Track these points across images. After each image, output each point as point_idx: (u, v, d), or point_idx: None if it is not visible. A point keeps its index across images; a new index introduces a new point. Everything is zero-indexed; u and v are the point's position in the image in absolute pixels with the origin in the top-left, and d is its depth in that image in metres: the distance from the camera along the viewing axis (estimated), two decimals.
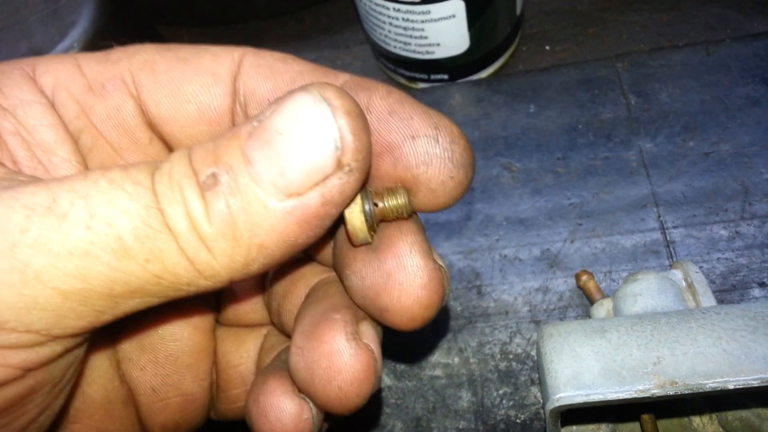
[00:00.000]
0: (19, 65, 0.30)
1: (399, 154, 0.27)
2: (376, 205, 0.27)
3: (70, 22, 0.59)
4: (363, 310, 0.30)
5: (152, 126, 0.31)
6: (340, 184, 0.24)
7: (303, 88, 0.24)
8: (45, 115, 0.29)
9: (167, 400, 0.35)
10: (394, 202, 0.28)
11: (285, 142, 0.23)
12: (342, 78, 0.29)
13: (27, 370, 0.23)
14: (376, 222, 0.28)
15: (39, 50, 0.58)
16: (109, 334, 0.34)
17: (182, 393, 0.35)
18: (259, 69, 0.30)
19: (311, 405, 0.29)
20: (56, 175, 0.28)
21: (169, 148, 0.32)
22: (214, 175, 0.23)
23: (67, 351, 0.25)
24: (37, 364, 0.23)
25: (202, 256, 0.23)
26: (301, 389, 0.29)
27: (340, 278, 0.31)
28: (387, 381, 0.47)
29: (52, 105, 0.29)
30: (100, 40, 0.59)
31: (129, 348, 0.35)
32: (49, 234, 0.22)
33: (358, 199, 0.27)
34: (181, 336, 0.35)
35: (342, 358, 0.27)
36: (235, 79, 0.30)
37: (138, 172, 0.23)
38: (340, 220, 0.27)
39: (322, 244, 0.33)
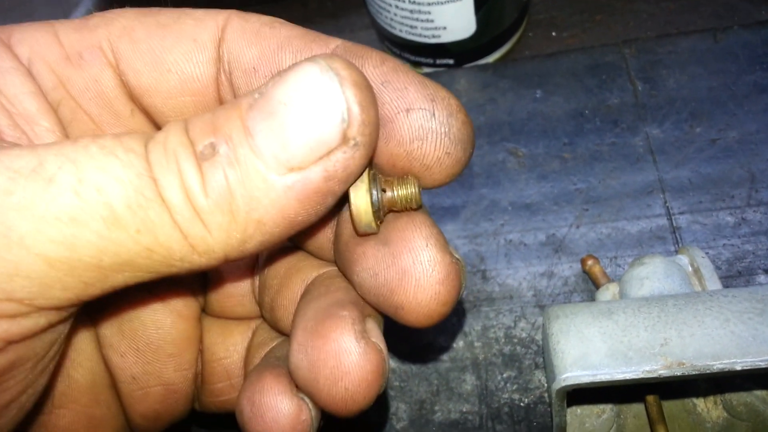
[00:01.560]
0: None
1: (391, 128, 0.26)
2: (384, 191, 0.26)
3: (74, 2, 0.59)
4: (375, 308, 0.28)
5: (133, 97, 0.30)
6: (344, 158, 0.22)
7: (309, 58, 0.23)
8: (26, 83, 0.27)
9: (148, 389, 0.33)
10: (404, 191, 0.26)
11: (289, 114, 0.22)
12: (333, 43, 0.28)
13: (8, 342, 0.22)
14: (383, 210, 0.27)
15: None
16: (88, 312, 0.33)
17: (163, 382, 0.34)
18: (244, 34, 0.28)
19: (310, 405, 0.28)
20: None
21: (152, 122, 0.31)
22: (212, 145, 0.22)
23: (51, 325, 0.23)
24: (19, 336, 0.22)
25: (196, 229, 0.22)
26: (302, 389, 0.27)
27: (347, 275, 0.29)
28: (391, 363, 0.47)
29: (30, 74, 0.28)
30: None
31: (110, 333, 0.33)
32: (34, 197, 0.21)
33: (365, 181, 0.25)
34: (163, 323, 0.33)
35: (350, 358, 0.25)
36: (219, 46, 0.28)
37: (131, 139, 0.22)
38: (343, 203, 0.26)
39: (314, 232, 0.31)
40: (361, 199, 0.25)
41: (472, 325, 0.48)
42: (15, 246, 0.21)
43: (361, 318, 0.27)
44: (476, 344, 0.47)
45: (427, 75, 0.61)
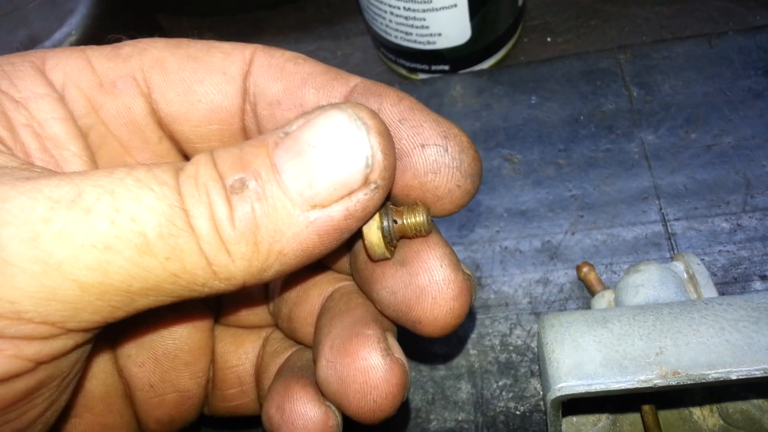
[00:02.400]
0: (29, 58, 0.29)
1: (408, 161, 0.28)
2: (395, 222, 0.28)
3: (69, 9, 0.59)
4: (394, 322, 0.30)
5: (162, 125, 0.31)
6: (365, 200, 0.25)
7: (336, 105, 0.25)
8: (57, 109, 0.29)
9: (164, 396, 0.35)
10: (413, 219, 0.28)
11: (317, 155, 0.24)
12: (353, 81, 0.30)
13: (39, 363, 0.23)
14: (395, 238, 0.28)
15: (37, 38, 0.58)
16: (110, 332, 0.34)
17: (179, 389, 0.36)
18: (270, 69, 0.30)
19: (336, 412, 0.30)
20: (67, 169, 0.28)
21: (178, 148, 0.32)
22: (241, 181, 0.24)
23: (78, 346, 0.25)
24: (49, 357, 0.23)
25: (221, 258, 0.24)
26: (332, 401, 0.29)
27: (365, 291, 0.31)
28: None
29: (63, 99, 0.29)
30: (98, 28, 0.59)
31: (128, 345, 0.35)
32: (74, 226, 0.22)
33: (376, 216, 0.27)
34: (180, 335, 0.35)
35: (378, 374, 0.28)
36: (246, 78, 0.30)
37: (163, 172, 0.24)
38: (357, 234, 0.27)
39: (339, 255, 0.33)
40: (373, 232, 0.27)
41: (468, 332, 0.47)
42: (53, 272, 0.22)
43: (384, 335, 0.29)
44: (472, 352, 0.47)
45: (422, 81, 0.61)
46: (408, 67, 0.62)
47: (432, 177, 0.28)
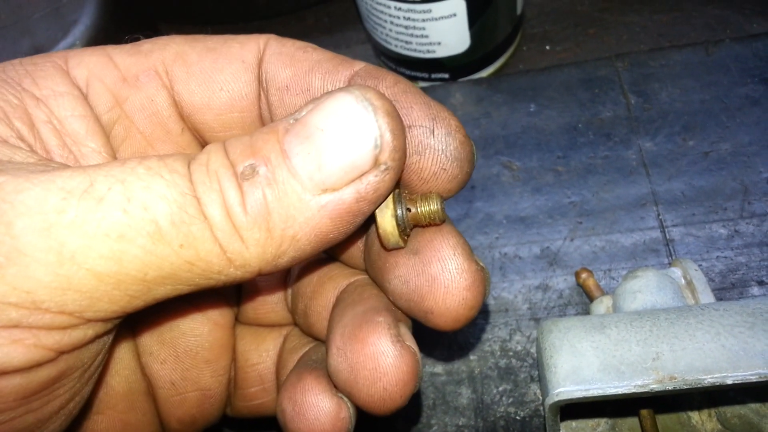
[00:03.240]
0: (52, 58, 0.30)
1: None
2: (409, 210, 0.28)
3: (73, 20, 0.60)
4: (406, 313, 0.30)
5: (184, 116, 0.32)
6: (375, 181, 0.24)
7: (343, 88, 0.25)
8: (77, 107, 0.29)
9: (185, 395, 0.35)
10: (427, 208, 0.28)
11: (325, 138, 0.24)
12: (358, 66, 0.30)
13: (60, 353, 0.23)
14: (408, 227, 0.28)
15: (41, 48, 0.59)
16: (130, 325, 0.35)
17: (200, 388, 0.36)
18: (281, 56, 0.31)
19: (348, 404, 0.30)
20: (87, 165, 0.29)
21: (199, 139, 0.33)
22: (252, 167, 0.24)
23: (98, 336, 0.25)
24: (70, 347, 0.24)
25: (235, 244, 0.24)
26: (342, 390, 0.29)
27: (378, 282, 0.31)
28: None
29: (86, 97, 0.30)
30: (102, 38, 0.60)
31: (150, 341, 0.35)
32: (86, 215, 0.22)
33: (390, 203, 0.27)
34: (201, 332, 0.35)
35: (387, 360, 0.27)
36: (260, 66, 0.31)
37: (174, 161, 0.24)
38: (371, 221, 0.27)
39: (348, 244, 0.33)
40: (387, 220, 0.27)
41: (468, 338, 0.48)
42: (67, 262, 0.22)
43: (396, 323, 0.29)
44: (472, 357, 0.47)
45: (422, 89, 0.62)
46: (408, 76, 0.63)
47: (417, 158, 0.28)
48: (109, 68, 0.31)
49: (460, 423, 0.45)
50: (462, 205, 0.54)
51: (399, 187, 0.29)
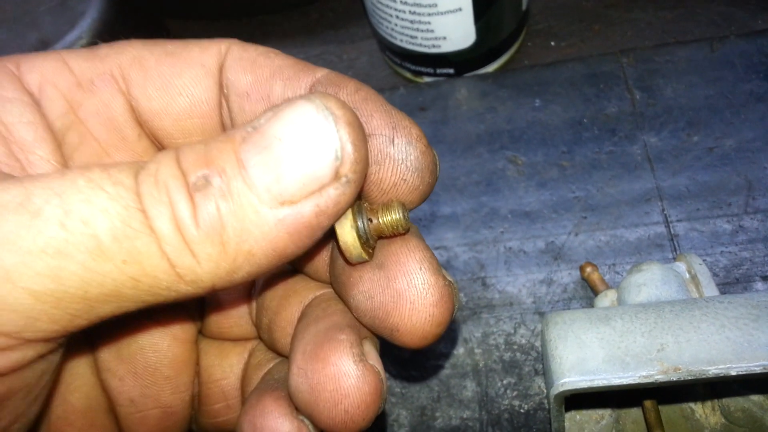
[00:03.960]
0: (3, 62, 0.29)
1: None
2: (370, 220, 0.27)
3: (79, 12, 0.60)
4: (371, 330, 0.29)
5: (141, 122, 0.31)
6: (336, 194, 0.23)
7: (304, 96, 0.24)
8: (25, 113, 0.28)
9: (146, 412, 0.34)
10: (389, 217, 0.27)
11: (284, 149, 0.22)
12: (320, 72, 0.29)
13: None
14: (372, 238, 0.27)
15: (48, 41, 0.59)
16: (87, 340, 0.33)
17: (161, 405, 0.34)
18: (242, 62, 0.30)
19: (310, 427, 0.28)
20: (33, 173, 0.28)
21: (157, 145, 0.32)
22: (205, 177, 0.22)
23: (41, 356, 0.23)
24: (8, 368, 0.22)
25: (185, 259, 0.22)
26: (302, 411, 0.28)
27: (343, 298, 0.30)
28: (392, 370, 0.48)
29: (38, 103, 0.29)
30: (108, 31, 0.60)
31: (108, 357, 0.34)
32: (20, 231, 0.21)
33: (349, 215, 0.26)
34: (160, 347, 0.34)
35: (349, 381, 0.26)
36: (221, 71, 0.30)
37: (119, 172, 0.23)
38: (329, 234, 0.26)
39: (312, 257, 0.32)
40: (347, 233, 0.26)
41: (473, 331, 0.48)
42: (1, 280, 0.21)
43: (359, 341, 0.27)
44: (476, 351, 0.47)
45: (427, 84, 0.62)
46: (413, 71, 0.63)
47: (376, 169, 0.26)
48: (64, 73, 0.29)
49: (465, 416, 0.45)
50: (467, 200, 0.54)
51: (360, 198, 0.27)
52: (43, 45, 0.59)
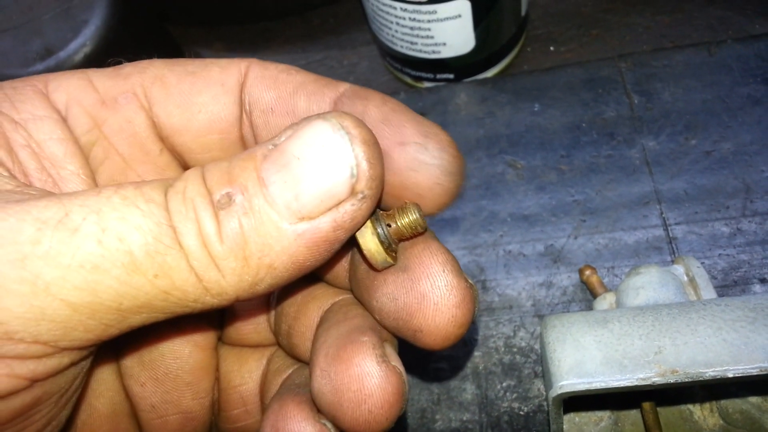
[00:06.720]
0: (32, 82, 0.30)
1: (389, 160, 0.28)
2: (389, 225, 0.28)
3: (83, 20, 0.61)
4: (393, 332, 0.30)
5: (163, 137, 0.32)
6: (352, 210, 0.24)
7: (321, 115, 0.25)
8: (55, 130, 0.29)
9: (166, 417, 0.35)
10: (407, 219, 0.28)
11: (302, 167, 0.24)
12: (342, 87, 0.30)
13: (34, 381, 0.23)
14: (393, 243, 0.28)
15: (52, 48, 0.59)
16: (112, 347, 0.34)
17: (181, 411, 0.35)
18: (264, 79, 0.31)
19: (332, 430, 0.29)
20: (65, 188, 0.29)
21: (178, 159, 0.33)
22: (228, 195, 0.24)
23: (74, 363, 0.25)
24: (44, 375, 0.24)
25: (211, 273, 0.24)
26: (326, 413, 0.29)
27: (364, 301, 0.31)
28: None
29: (65, 120, 0.30)
30: (111, 38, 0.60)
31: (131, 364, 0.35)
32: (60, 247, 0.22)
33: (369, 224, 0.27)
34: (181, 353, 0.35)
35: (373, 381, 0.27)
36: (242, 89, 0.31)
37: (151, 189, 0.24)
38: (349, 244, 0.27)
39: (333, 264, 0.33)
40: (370, 241, 0.27)
41: (472, 334, 0.48)
42: (41, 292, 0.22)
43: (381, 343, 0.28)
44: (476, 354, 0.48)
45: (427, 89, 0.62)
46: (413, 76, 0.64)
47: (412, 174, 0.28)
48: (89, 91, 0.31)
49: (465, 418, 0.45)
50: (466, 203, 0.54)
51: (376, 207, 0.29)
52: (47, 52, 0.59)
